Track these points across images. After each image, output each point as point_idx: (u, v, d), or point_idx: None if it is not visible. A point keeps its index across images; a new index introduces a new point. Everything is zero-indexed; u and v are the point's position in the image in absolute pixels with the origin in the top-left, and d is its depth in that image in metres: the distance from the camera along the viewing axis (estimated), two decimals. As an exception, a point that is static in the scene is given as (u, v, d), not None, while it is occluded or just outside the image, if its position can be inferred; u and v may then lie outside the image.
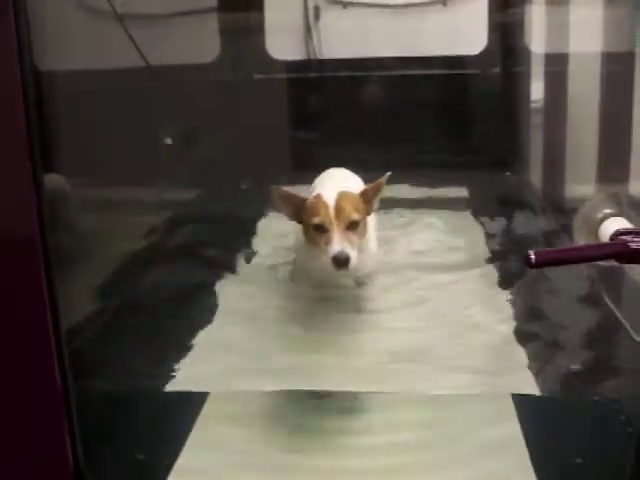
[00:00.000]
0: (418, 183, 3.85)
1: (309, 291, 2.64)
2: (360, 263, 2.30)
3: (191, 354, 2.30)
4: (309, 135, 4.22)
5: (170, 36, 3.36)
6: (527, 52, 3.87)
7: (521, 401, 2.00)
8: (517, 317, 2.48)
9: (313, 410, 2.03)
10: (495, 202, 3.71)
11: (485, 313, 2.51)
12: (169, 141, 3.32)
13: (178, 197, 3.49)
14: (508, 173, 4.02)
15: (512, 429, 1.89)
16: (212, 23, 4.04)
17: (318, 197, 2.32)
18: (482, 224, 3.38)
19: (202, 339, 2.40)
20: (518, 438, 1.85)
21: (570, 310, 2.55)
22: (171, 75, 3.29)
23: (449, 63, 4.14)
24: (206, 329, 2.47)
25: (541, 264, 1.18)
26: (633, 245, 1.23)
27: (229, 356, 2.28)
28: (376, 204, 2.43)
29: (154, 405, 2.07)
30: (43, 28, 1.85)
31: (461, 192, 3.86)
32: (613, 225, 1.35)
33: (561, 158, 3.29)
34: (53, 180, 1.97)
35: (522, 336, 2.34)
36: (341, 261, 2.17)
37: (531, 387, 2.07)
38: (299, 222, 2.38)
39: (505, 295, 2.64)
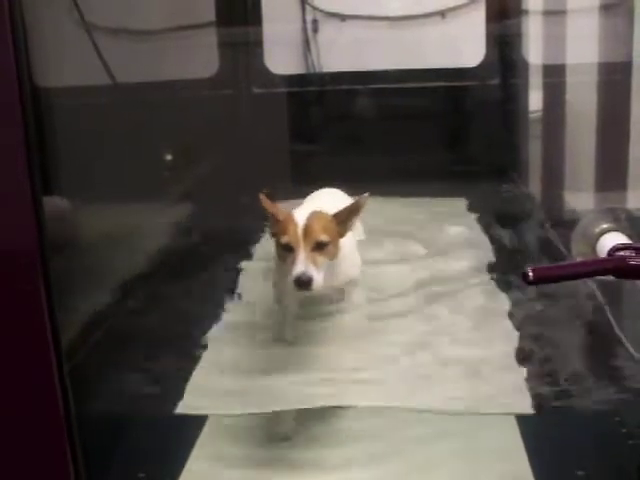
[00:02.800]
0: (417, 195, 3.86)
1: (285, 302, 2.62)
2: (330, 284, 2.29)
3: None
4: (309, 149, 4.23)
5: (169, 51, 3.38)
6: (525, 63, 3.89)
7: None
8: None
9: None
10: (494, 213, 3.71)
11: (481, 329, 2.50)
12: (169, 157, 3.33)
13: (177, 213, 3.49)
14: (506, 184, 4.02)
15: (513, 441, 1.90)
16: (211, 38, 4.05)
17: (289, 216, 2.27)
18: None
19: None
20: (520, 450, 1.86)
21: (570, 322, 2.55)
22: (170, 90, 3.30)
23: (448, 75, 4.15)
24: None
25: (539, 280, 1.19)
26: (631, 261, 1.24)
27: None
28: (353, 225, 2.38)
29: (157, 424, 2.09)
30: (42, 44, 1.86)
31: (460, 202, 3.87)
32: (611, 240, 1.35)
33: (560, 168, 3.30)
34: (54, 203, 1.97)
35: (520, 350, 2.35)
36: (303, 282, 2.13)
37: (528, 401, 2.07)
38: (273, 236, 2.34)
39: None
